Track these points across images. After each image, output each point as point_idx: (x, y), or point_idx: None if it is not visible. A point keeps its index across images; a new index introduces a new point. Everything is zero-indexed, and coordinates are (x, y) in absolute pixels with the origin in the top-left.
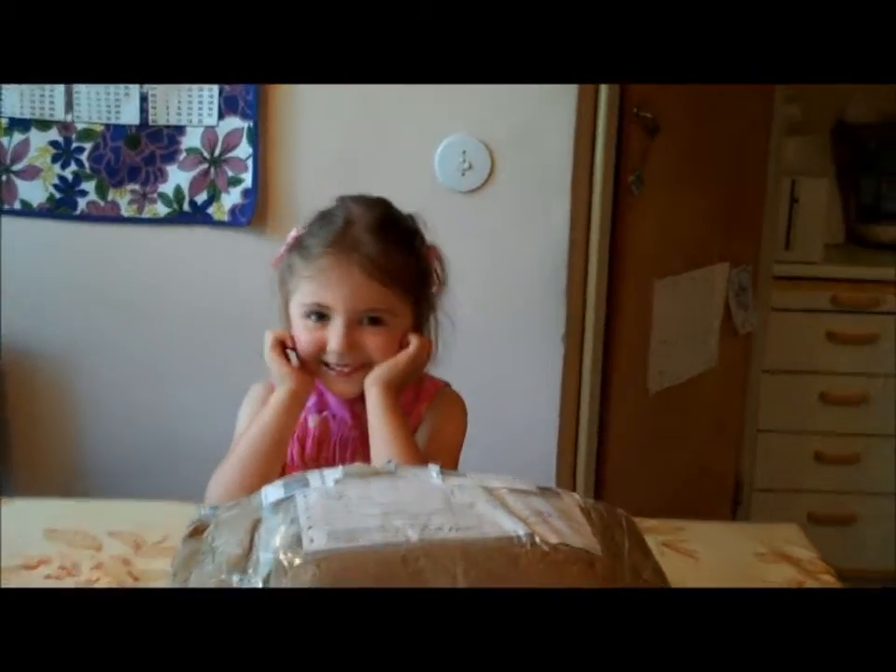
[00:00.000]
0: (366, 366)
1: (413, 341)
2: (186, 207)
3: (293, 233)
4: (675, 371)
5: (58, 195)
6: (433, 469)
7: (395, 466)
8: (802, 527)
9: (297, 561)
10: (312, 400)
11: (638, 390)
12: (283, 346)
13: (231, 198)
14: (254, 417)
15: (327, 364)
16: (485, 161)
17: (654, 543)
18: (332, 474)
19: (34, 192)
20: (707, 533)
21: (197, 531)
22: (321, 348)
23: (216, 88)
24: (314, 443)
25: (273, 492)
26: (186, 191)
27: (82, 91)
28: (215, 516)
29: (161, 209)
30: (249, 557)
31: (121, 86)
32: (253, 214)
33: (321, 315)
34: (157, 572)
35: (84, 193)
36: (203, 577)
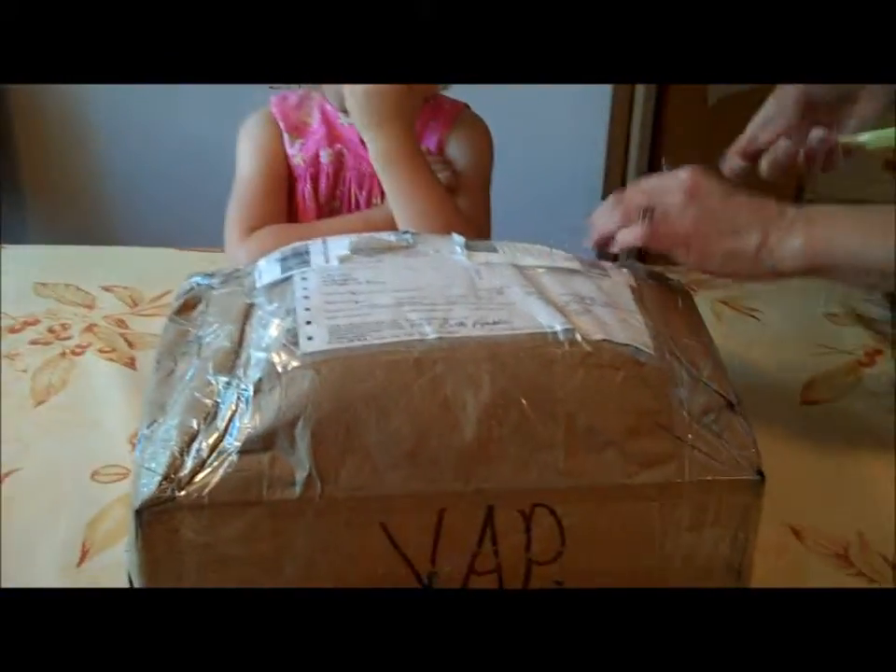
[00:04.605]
0: None
1: None
2: None
3: None
4: None
5: None
6: (457, 243)
7: (412, 237)
8: None
9: (292, 364)
10: (321, 131)
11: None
12: None
13: None
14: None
15: None
16: None
17: (709, 301)
18: (337, 248)
19: None
20: (770, 288)
21: (186, 307)
22: None
23: None
24: (327, 181)
25: (268, 269)
26: None
27: None
28: (207, 289)
29: None
30: (239, 354)
31: None
32: None
33: None
34: (153, 338)
35: None
36: (188, 372)
